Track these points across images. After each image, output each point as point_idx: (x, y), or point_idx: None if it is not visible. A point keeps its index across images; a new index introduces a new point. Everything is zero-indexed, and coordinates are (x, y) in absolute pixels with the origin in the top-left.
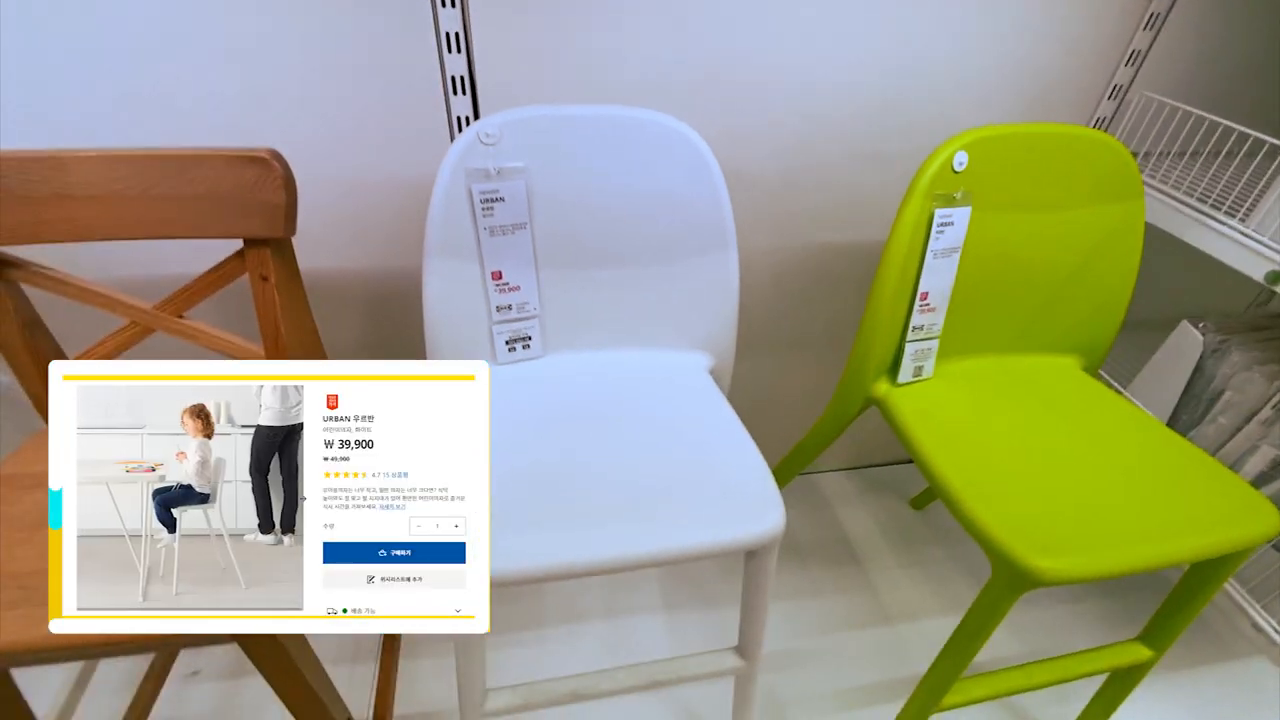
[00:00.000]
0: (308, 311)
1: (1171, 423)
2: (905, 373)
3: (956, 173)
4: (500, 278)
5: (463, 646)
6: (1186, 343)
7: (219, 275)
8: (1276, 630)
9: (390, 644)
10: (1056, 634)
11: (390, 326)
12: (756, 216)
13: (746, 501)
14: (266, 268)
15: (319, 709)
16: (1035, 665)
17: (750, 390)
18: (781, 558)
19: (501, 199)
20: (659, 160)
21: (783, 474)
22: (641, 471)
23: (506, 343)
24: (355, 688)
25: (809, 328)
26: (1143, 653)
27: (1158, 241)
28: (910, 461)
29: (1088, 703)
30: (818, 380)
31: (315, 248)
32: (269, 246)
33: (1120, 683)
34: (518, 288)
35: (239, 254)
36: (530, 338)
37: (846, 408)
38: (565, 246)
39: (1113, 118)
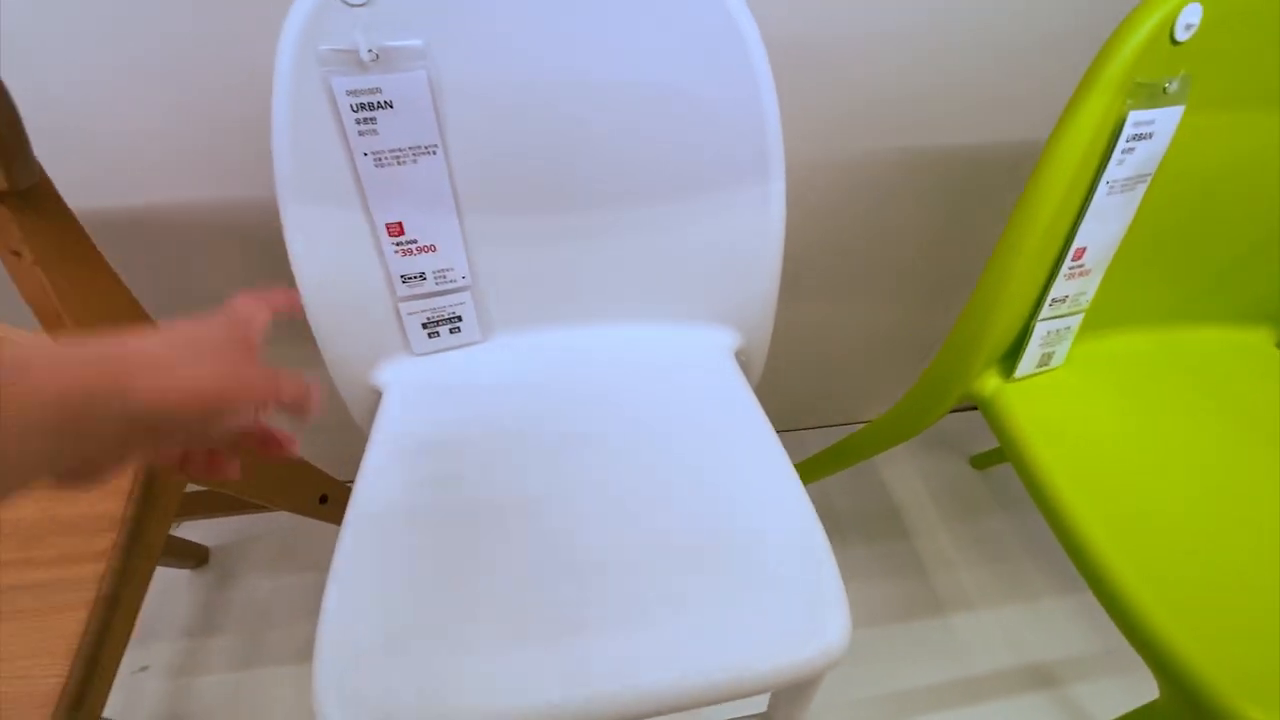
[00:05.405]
0: (108, 282)
1: None
2: (1028, 362)
3: (1177, 43)
4: (401, 232)
5: None
6: None
7: None
8: None
9: None
10: None
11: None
12: (809, 110)
13: (788, 601)
14: (12, 238)
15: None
16: None
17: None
18: None
19: (388, 104)
20: (655, 28)
21: (815, 469)
22: (616, 538)
23: (424, 326)
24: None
25: (871, 267)
26: None
27: None
28: (974, 408)
29: None
30: (875, 342)
31: (160, 178)
32: (5, 205)
33: None
34: (432, 247)
35: None
36: (459, 318)
37: (932, 404)
38: (504, 179)
39: None
